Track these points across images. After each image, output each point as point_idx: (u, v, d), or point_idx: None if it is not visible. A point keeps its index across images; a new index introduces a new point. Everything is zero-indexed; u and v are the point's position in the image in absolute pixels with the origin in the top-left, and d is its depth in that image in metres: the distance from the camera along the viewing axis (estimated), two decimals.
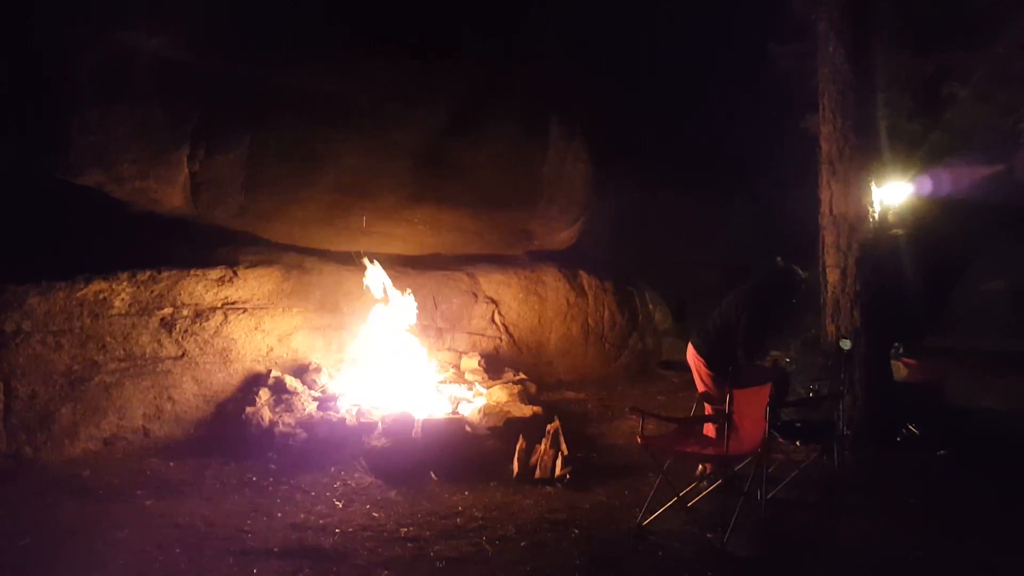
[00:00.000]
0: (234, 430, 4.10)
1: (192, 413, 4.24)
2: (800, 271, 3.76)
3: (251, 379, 4.51)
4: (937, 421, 4.15)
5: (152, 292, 4.24)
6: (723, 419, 3.25)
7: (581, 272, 6.32)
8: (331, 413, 4.23)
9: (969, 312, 7.71)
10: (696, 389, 3.84)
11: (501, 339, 5.84)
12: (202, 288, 4.42)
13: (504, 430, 4.12)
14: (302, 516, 3.12)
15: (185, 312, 4.32)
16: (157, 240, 4.49)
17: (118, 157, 4.19)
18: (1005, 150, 6.68)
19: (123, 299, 4.13)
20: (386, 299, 4.85)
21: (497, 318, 5.86)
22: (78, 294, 3.99)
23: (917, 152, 6.57)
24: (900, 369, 4.59)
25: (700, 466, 3.54)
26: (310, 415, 4.19)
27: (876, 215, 4.23)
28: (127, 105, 4.14)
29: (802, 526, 3.11)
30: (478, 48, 5.12)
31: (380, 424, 3.97)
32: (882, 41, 4.75)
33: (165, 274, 4.29)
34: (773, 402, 3.05)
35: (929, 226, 6.71)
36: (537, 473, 3.62)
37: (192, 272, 4.39)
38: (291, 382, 4.48)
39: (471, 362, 5.38)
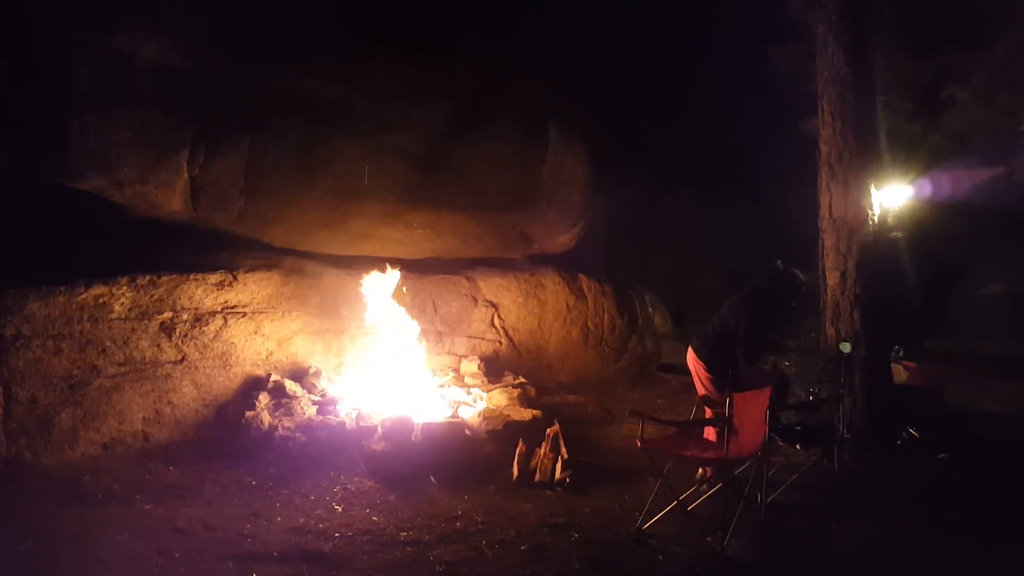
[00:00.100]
0: (234, 434, 4.10)
1: (192, 417, 4.24)
2: (800, 274, 3.76)
3: (251, 383, 4.51)
4: (937, 424, 4.14)
5: (152, 296, 4.24)
6: (723, 422, 3.24)
7: (581, 275, 6.32)
8: (331, 417, 4.23)
9: (969, 315, 7.71)
10: (696, 392, 3.84)
11: (501, 343, 5.84)
12: (202, 292, 4.42)
13: (504, 434, 4.12)
14: (302, 520, 3.11)
15: (185, 316, 4.33)
16: (157, 244, 4.50)
17: (118, 161, 4.20)
18: (1005, 152, 6.69)
19: (123, 303, 4.14)
20: (390, 303, 4.85)
21: (497, 322, 5.86)
22: (78, 298, 3.99)
23: (917, 155, 6.58)
24: (900, 372, 4.59)
25: (700, 469, 3.53)
26: (310, 419, 4.19)
27: (876, 218, 4.23)
28: (126, 109, 4.15)
29: (802, 529, 3.10)
30: (477, 51, 5.13)
31: (380, 428, 3.97)
32: (881, 43, 4.76)
33: (165, 278, 4.30)
34: (773, 405, 3.05)
35: (929, 229, 6.71)
36: (537, 477, 3.62)
37: (192, 276, 4.40)
38: (291, 386, 4.48)
39: (471, 366, 5.38)
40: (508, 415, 4.34)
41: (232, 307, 4.55)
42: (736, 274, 4.65)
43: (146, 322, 4.19)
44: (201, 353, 4.35)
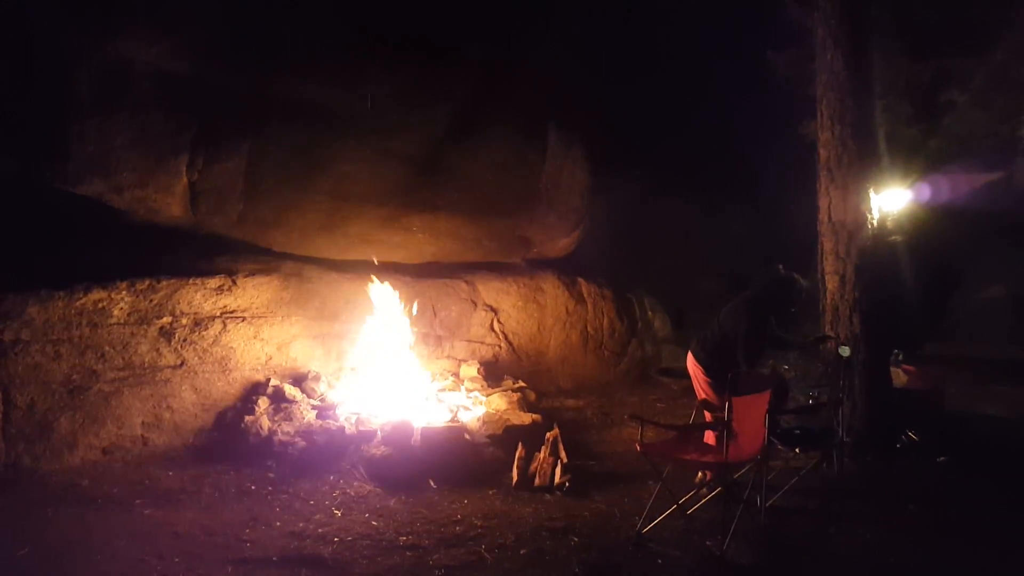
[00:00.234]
0: (233, 439, 4.09)
1: (191, 422, 4.24)
2: (800, 279, 3.77)
3: (250, 388, 4.51)
4: (937, 427, 4.14)
5: (151, 301, 4.25)
6: (722, 426, 3.24)
7: (580, 279, 6.32)
8: (330, 421, 4.23)
9: (969, 319, 7.71)
10: (696, 396, 3.84)
11: (500, 347, 5.84)
12: (201, 297, 4.43)
13: (503, 438, 4.11)
14: (301, 525, 3.11)
15: (184, 321, 4.33)
16: (156, 249, 4.50)
17: (117, 166, 4.21)
18: (1004, 156, 6.70)
19: (122, 308, 4.14)
20: (387, 309, 4.85)
21: (496, 326, 5.86)
22: (77, 303, 4.00)
23: (916, 158, 6.60)
24: (899, 376, 4.59)
25: (699, 473, 3.53)
26: (309, 423, 4.18)
27: (875, 222, 4.24)
28: (126, 114, 4.16)
29: (802, 533, 3.10)
30: (477, 54, 5.14)
31: (379, 432, 3.96)
32: (881, 47, 4.77)
33: (164, 283, 4.30)
34: (772, 409, 3.05)
35: (928, 233, 6.72)
36: (536, 481, 3.61)
37: (191, 281, 4.40)
38: (290, 390, 4.48)
39: (470, 370, 5.38)
40: (508, 419, 4.34)
41: (231, 312, 4.55)
42: (737, 278, 4.66)
43: (145, 327, 4.19)
44: (200, 358, 4.35)
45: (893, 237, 5.07)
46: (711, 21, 7.14)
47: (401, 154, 5.03)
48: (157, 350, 4.21)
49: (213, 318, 4.46)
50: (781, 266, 3.79)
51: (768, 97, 6.75)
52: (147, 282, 4.24)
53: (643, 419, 3.22)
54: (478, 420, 4.33)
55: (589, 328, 6.24)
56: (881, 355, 4.22)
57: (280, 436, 4.03)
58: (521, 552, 2.83)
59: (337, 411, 4.38)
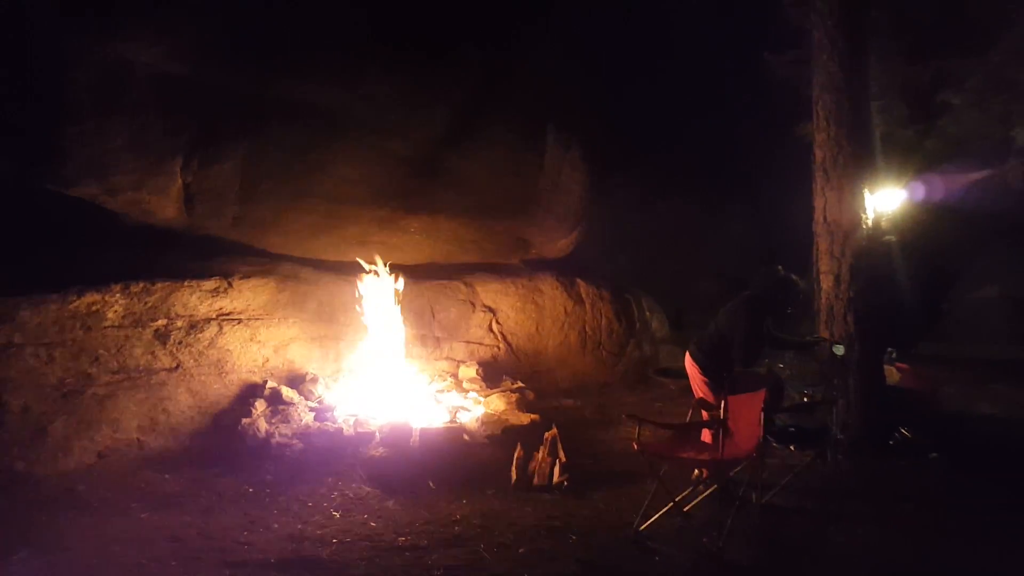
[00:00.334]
0: (230, 441, 4.07)
1: (187, 425, 4.21)
2: (799, 280, 3.80)
3: (247, 390, 4.49)
4: (930, 425, 4.17)
5: (146, 304, 4.23)
6: (718, 425, 3.26)
7: (578, 280, 6.33)
8: (328, 423, 4.22)
9: (963, 318, 7.76)
10: (693, 395, 3.85)
11: (499, 347, 5.84)
12: (196, 299, 4.41)
13: (502, 438, 4.11)
14: (299, 527, 3.10)
15: (179, 323, 4.31)
16: (151, 251, 4.49)
17: (112, 168, 4.19)
18: (999, 157, 6.75)
19: (116, 311, 4.12)
20: (386, 307, 4.84)
21: (495, 327, 5.86)
22: (71, 306, 3.98)
23: (912, 159, 6.64)
24: (893, 374, 4.61)
25: (696, 470, 3.54)
26: (307, 425, 4.17)
27: (870, 222, 4.27)
28: (121, 116, 4.15)
29: (797, 530, 3.11)
30: (475, 56, 5.16)
31: (378, 434, 3.96)
32: (877, 48, 4.80)
33: (159, 285, 4.28)
34: (768, 408, 3.07)
35: (923, 233, 6.76)
36: (535, 480, 3.62)
37: (186, 283, 4.39)
38: (287, 393, 4.46)
39: (469, 371, 5.37)
40: (506, 420, 4.34)
41: (227, 314, 4.53)
42: (737, 279, 4.68)
43: (140, 329, 4.17)
44: (196, 360, 4.33)
45: (888, 237, 5.10)
46: (711, 23, 7.17)
47: (399, 155, 5.03)
48: (152, 353, 4.19)
49: (209, 320, 4.44)
50: (780, 267, 3.82)
51: (768, 98, 6.78)
52: (142, 284, 4.23)
53: (640, 418, 3.23)
54: (477, 421, 4.33)
55: (587, 329, 6.25)
56: (875, 354, 4.25)
57: (277, 438, 4.01)
58: (520, 551, 2.83)
59: (335, 413, 4.37)
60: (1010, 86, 6.05)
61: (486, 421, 4.29)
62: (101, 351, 4.02)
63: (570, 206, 6.00)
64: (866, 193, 4.27)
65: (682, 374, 4.16)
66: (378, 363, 4.74)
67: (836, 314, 4.20)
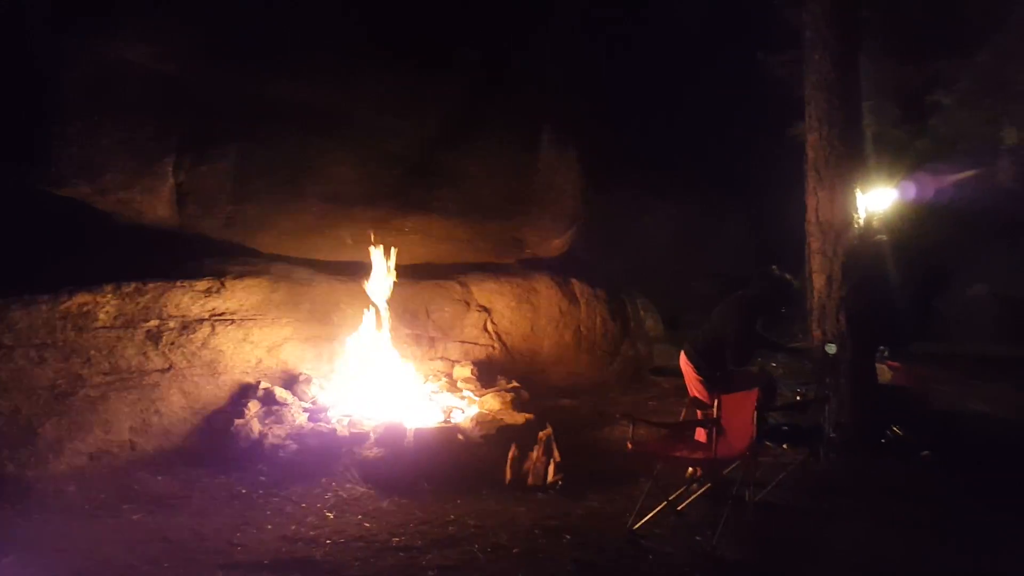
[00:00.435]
0: (223, 442, 4.05)
1: (180, 426, 4.19)
2: (793, 280, 3.83)
3: (240, 391, 4.47)
4: (921, 423, 4.20)
5: (138, 304, 4.20)
6: (712, 424, 3.27)
7: (573, 280, 6.34)
8: (322, 424, 4.20)
9: (954, 317, 7.83)
10: (688, 394, 3.87)
11: (494, 347, 5.84)
12: (189, 299, 4.39)
13: (497, 438, 4.11)
14: (293, 528, 3.09)
15: (172, 324, 4.29)
16: (143, 251, 4.45)
17: (102, 168, 4.16)
18: (989, 157, 6.81)
19: (108, 312, 4.09)
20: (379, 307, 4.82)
21: (490, 326, 5.86)
22: (62, 307, 3.94)
23: (903, 159, 6.69)
24: (885, 372, 4.65)
25: (690, 469, 3.56)
26: (300, 426, 4.15)
27: (861, 221, 4.30)
28: (112, 116, 4.11)
29: (789, 528, 3.13)
30: (470, 57, 5.15)
31: (372, 434, 3.95)
32: (869, 49, 4.84)
33: (151, 286, 4.25)
34: (760, 406, 3.09)
35: (914, 232, 6.82)
36: (530, 480, 3.62)
37: (178, 283, 4.36)
38: (281, 393, 4.44)
39: (464, 371, 5.37)
40: (501, 419, 4.34)
41: (220, 314, 4.51)
42: (732, 279, 4.71)
43: (132, 330, 4.14)
44: (189, 361, 4.31)
45: (879, 237, 5.14)
46: (707, 23, 7.19)
47: (394, 155, 5.02)
48: (144, 354, 4.16)
49: (201, 321, 4.42)
50: (775, 267, 3.84)
51: (763, 99, 6.81)
52: (133, 285, 4.20)
53: (635, 418, 3.24)
54: (471, 420, 4.33)
55: (582, 328, 6.26)
56: (867, 353, 4.28)
57: (271, 439, 3.99)
58: (514, 551, 2.83)
59: (329, 413, 4.36)
60: (1000, 87, 6.10)
61: (481, 421, 4.29)
62: (93, 352, 3.99)
63: (565, 206, 6.00)
64: (858, 193, 4.30)
65: (677, 373, 4.18)
66: (372, 363, 4.73)
67: (828, 313, 4.23)
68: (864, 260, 4.25)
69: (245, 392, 4.45)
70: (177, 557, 2.77)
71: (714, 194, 7.98)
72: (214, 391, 4.38)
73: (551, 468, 3.66)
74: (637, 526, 3.00)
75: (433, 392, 4.91)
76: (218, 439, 4.11)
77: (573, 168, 5.95)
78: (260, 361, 4.66)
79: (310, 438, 4.03)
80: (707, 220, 8.18)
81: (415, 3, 4.78)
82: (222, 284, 4.56)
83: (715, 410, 3.28)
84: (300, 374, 4.76)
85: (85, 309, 4.02)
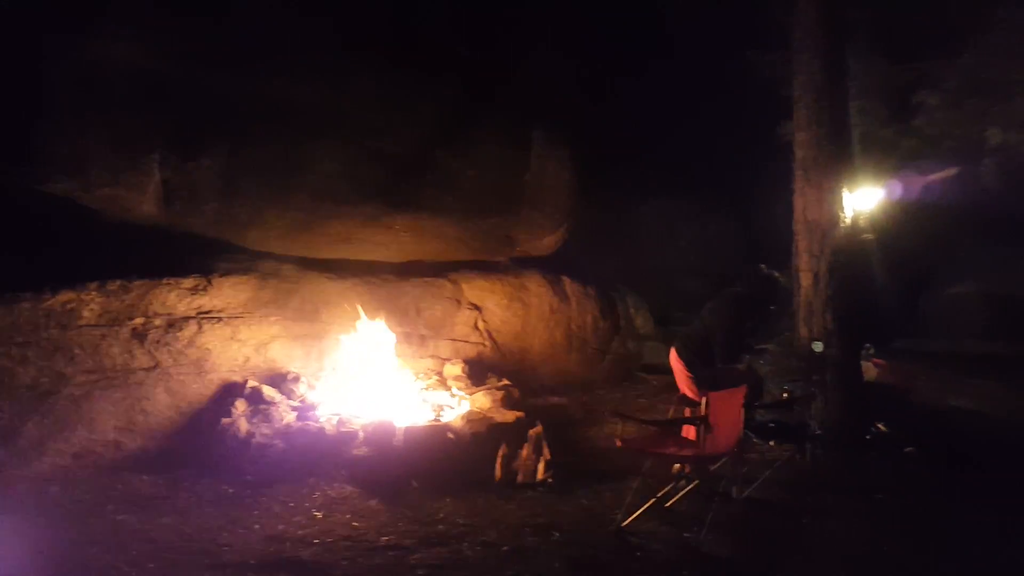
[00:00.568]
0: (209, 442, 4.01)
1: (166, 425, 4.14)
2: (781, 278, 3.87)
3: (227, 389, 4.42)
4: (906, 420, 4.26)
5: (123, 302, 4.14)
6: (700, 421, 3.30)
7: (564, 278, 6.35)
8: (310, 423, 4.17)
9: (940, 314, 7.93)
10: (677, 391, 3.89)
11: (484, 345, 5.84)
12: (175, 297, 4.34)
13: (487, 436, 4.11)
14: (280, 528, 3.06)
15: (157, 322, 4.23)
16: (128, 248, 4.39)
17: (88, 164, 4.09)
18: (974, 156, 6.90)
19: (92, 309, 4.03)
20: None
21: (480, 324, 5.85)
22: (44, 305, 3.88)
23: (889, 158, 6.76)
24: (870, 370, 4.70)
25: (677, 465, 3.58)
26: (288, 425, 4.12)
27: (848, 220, 4.34)
28: (98, 112, 4.05)
29: (776, 523, 3.16)
30: (463, 56, 5.13)
31: (361, 433, 3.93)
32: (857, 49, 4.88)
33: (136, 283, 4.20)
34: (748, 404, 3.11)
35: (900, 231, 6.90)
36: (519, 478, 3.63)
37: (164, 281, 4.31)
38: (268, 392, 4.41)
39: (454, 369, 5.36)
40: (491, 417, 4.33)
41: (207, 312, 4.46)
42: (722, 277, 4.74)
43: (117, 328, 4.08)
44: (175, 359, 4.26)
45: (866, 235, 5.19)
46: (696, 22, 7.20)
47: (385, 153, 4.99)
48: (130, 352, 4.11)
49: (188, 319, 4.37)
50: (763, 265, 3.88)
51: (752, 98, 6.84)
52: (118, 282, 4.14)
53: (624, 415, 3.26)
54: (462, 418, 4.32)
55: (573, 326, 6.27)
56: (853, 350, 4.33)
57: (258, 438, 3.96)
58: (503, 549, 2.84)
59: (317, 412, 4.33)
60: (985, 87, 6.18)
61: (471, 419, 4.28)
62: (77, 350, 3.94)
63: (556, 204, 6.01)
64: (845, 192, 4.34)
65: (666, 370, 4.20)
66: (361, 361, 4.71)
67: (815, 311, 4.26)
68: (850, 259, 4.29)
69: (232, 391, 4.41)
70: (162, 558, 2.74)
71: (703, 193, 8.02)
72: (201, 390, 4.33)
73: (541, 466, 3.67)
74: (626, 523, 3.02)
75: (423, 390, 4.90)
76: (205, 438, 4.07)
77: (564, 166, 5.95)
78: (248, 359, 4.62)
79: (298, 437, 4.00)
80: (696, 219, 8.23)
81: (406, 1, 4.75)
82: (209, 281, 4.51)
83: (704, 407, 3.30)
84: (288, 372, 4.73)
85: (69, 307, 3.96)
